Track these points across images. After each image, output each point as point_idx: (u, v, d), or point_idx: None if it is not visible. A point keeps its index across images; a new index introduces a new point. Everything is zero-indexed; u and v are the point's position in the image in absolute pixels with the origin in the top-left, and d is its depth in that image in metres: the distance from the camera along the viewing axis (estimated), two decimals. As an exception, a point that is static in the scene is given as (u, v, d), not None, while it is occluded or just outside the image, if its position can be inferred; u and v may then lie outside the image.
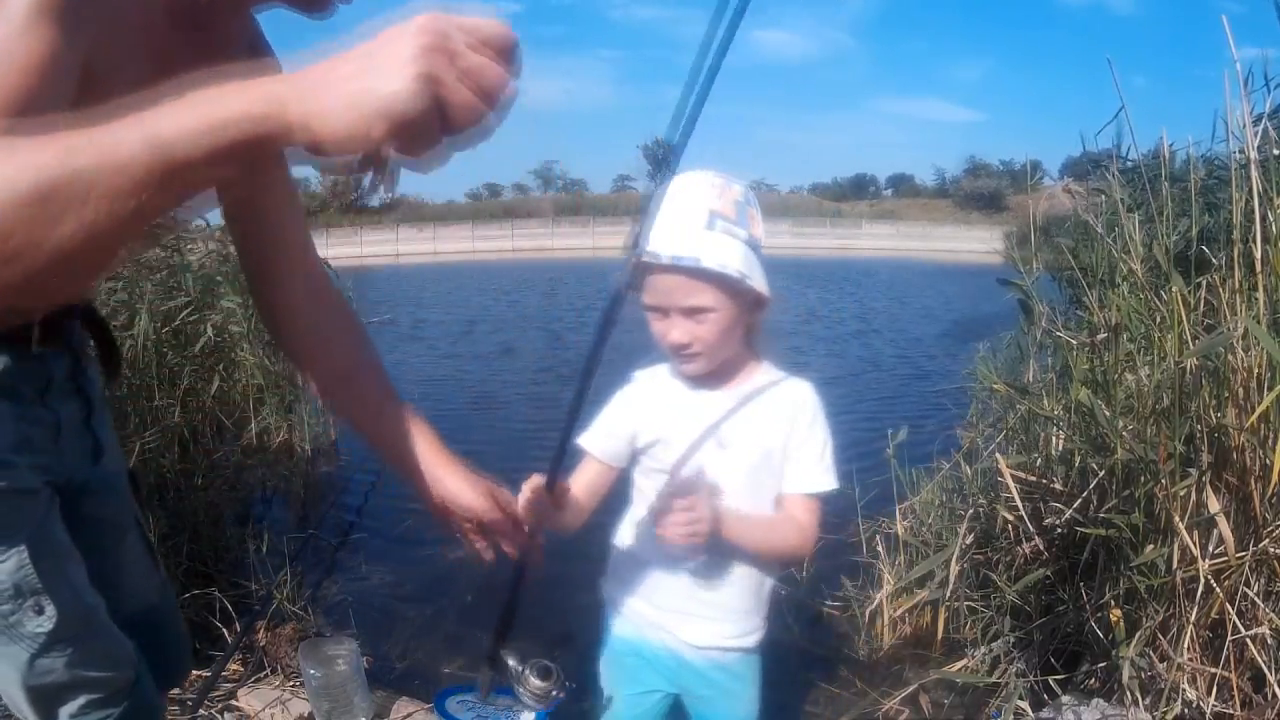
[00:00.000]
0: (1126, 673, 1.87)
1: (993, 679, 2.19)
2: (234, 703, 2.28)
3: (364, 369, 1.11)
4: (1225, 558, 1.78)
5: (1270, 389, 1.77)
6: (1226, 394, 1.89)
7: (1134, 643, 1.90)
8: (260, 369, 4.81)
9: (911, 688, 2.28)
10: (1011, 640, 2.25)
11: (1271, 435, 1.78)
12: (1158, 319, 2.21)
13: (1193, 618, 1.83)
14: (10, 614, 0.90)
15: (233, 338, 4.73)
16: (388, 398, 1.10)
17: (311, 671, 2.08)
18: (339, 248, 31.30)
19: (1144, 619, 1.94)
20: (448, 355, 9.28)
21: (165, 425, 3.27)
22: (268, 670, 2.44)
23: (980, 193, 41.73)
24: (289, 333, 1.10)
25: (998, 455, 2.45)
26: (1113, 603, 1.98)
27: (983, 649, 2.27)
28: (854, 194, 49.82)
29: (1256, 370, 1.83)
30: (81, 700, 0.97)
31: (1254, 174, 1.82)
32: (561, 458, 1.06)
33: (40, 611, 0.92)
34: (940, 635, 2.45)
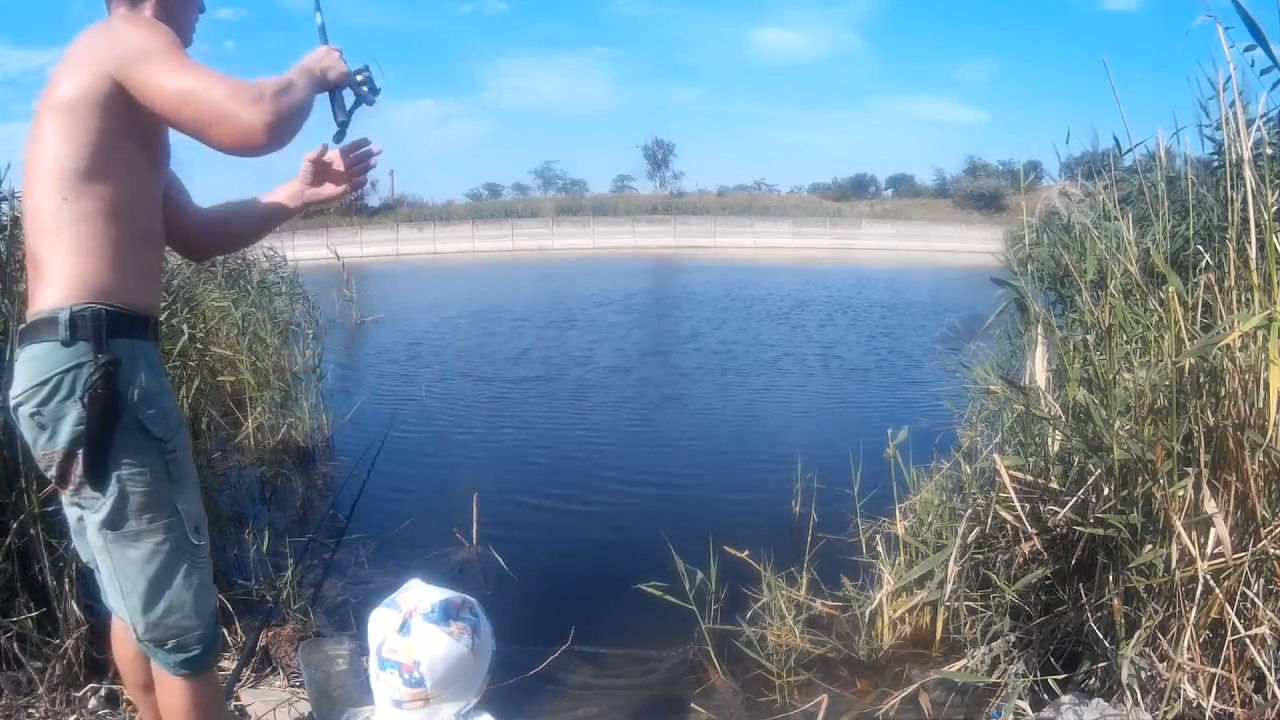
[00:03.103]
0: (1126, 672, 1.87)
1: (992, 679, 2.19)
2: (236, 702, 2.28)
3: (234, 227, 1.81)
4: (1224, 558, 1.78)
5: (1270, 387, 1.77)
6: (1224, 393, 1.90)
7: (1134, 643, 1.90)
8: (250, 368, 4.81)
9: (912, 687, 2.28)
10: (1011, 640, 2.25)
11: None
12: (1154, 319, 2.22)
13: (1192, 618, 1.83)
14: (190, 535, 1.42)
15: (220, 337, 4.74)
16: (246, 218, 1.79)
17: (311, 671, 2.08)
18: (339, 248, 31.07)
19: (1144, 619, 1.94)
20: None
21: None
22: (270, 670, 2.44)
23: (980, 193, 41.67)
24: (190, 242, 1.73)
25: (995, 455, 2.45)
26: (1114, 602, 1.99)
27: (982, 649, 2.28)
28: (854, 194, 49.74)
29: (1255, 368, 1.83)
30: (209, 612, 1.48)
31: (1248, 173, 1.82)
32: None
33: (200, 534, 1.45)
34: (940, 635, 2.45)
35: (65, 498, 1.42)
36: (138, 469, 1.35)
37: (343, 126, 1.59)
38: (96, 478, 1.32)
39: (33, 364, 1.32)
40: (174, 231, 1.62)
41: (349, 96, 1.56)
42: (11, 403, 1.35)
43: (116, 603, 1.46)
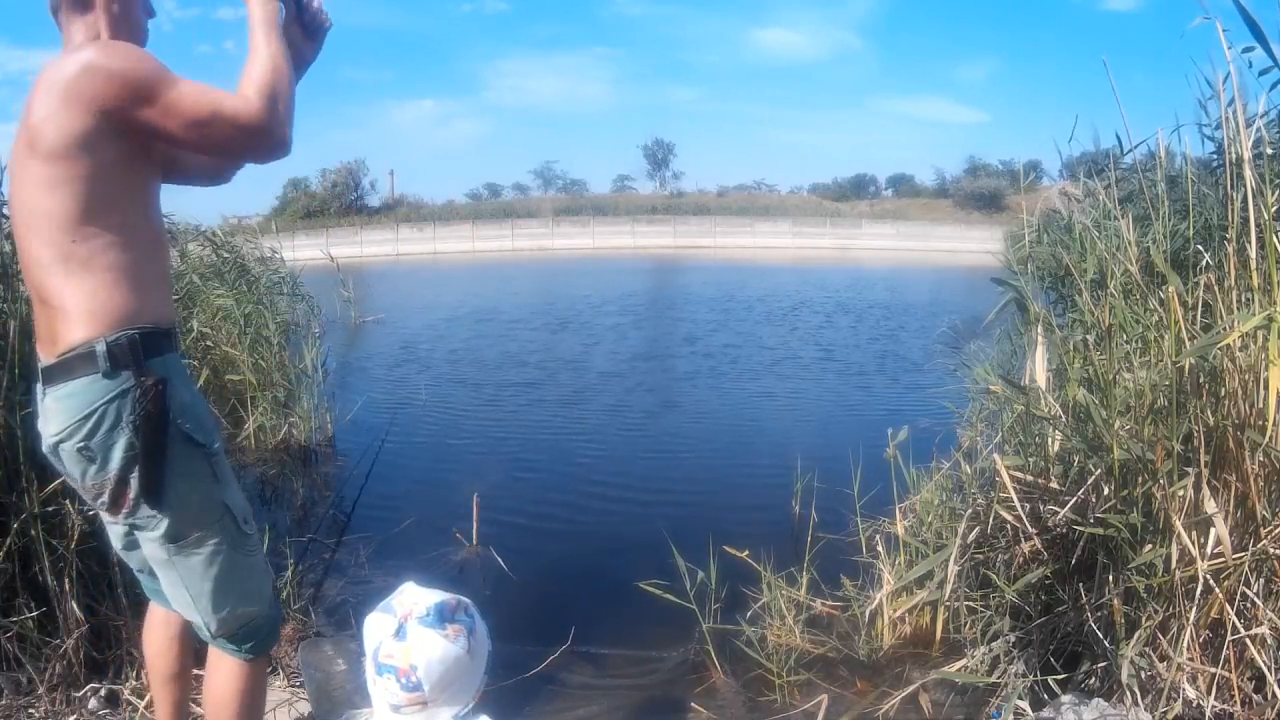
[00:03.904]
0: (1126, 672, 1.87)
1: (992, 679, 2.19)
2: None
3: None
4: (1224, 558, 1.78)
5: (1270, 387, 1.77)
6: (1224, 393, 1.90)
7: (1134, 642, 1.90)
8: (251, 368, 4.81)
9: (912, 687, 2.28)
10: (1011, 640, 2.25)
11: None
12: (1154, 319, 2.22)
13: (1192, 618, 1.83)
14: (242, 527, 1.44)
15: (222, 336, 4.74)
16: None
17: (311, 671, 2.08)
18: (339, 248, 31.01)
19: (1144, 619, 1.94)
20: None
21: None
22: (270, 670, 2.44)
23: (980, 193, 41.65)
24: (213, 173, 1.73)
25: (995, 455, 2.45)
26: (1114, 602, 1.99)
27: (982, 649, 2.28)
28: (854, 194, 49.72)
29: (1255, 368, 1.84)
30: (269, 593, 1.54)
31: (1248, 172, 1.83)
32: None
33: (249, 523, 1.47)
34: (940, 635, 2.45)
35: (114, 519, 1.40)
36: (190, 479, 1.37)
37: (308, 19, 1.60)
38: (155, 497, 1.34)
39: (73, 400, 1.31)
40: (199, 170, 1.67)
41: None
42: (51, 441, 1.34)
43: (184, 608, 1.47)
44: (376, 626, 1.16)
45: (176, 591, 1.45)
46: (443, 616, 1.16)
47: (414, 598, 1.18)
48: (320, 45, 1.67)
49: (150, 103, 1.28)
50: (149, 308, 1.37)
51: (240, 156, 1.41)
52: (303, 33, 1.61)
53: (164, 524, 1.36)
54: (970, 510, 2.53)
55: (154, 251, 1.43)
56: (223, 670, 1.52)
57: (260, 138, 1.32)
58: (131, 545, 1.47)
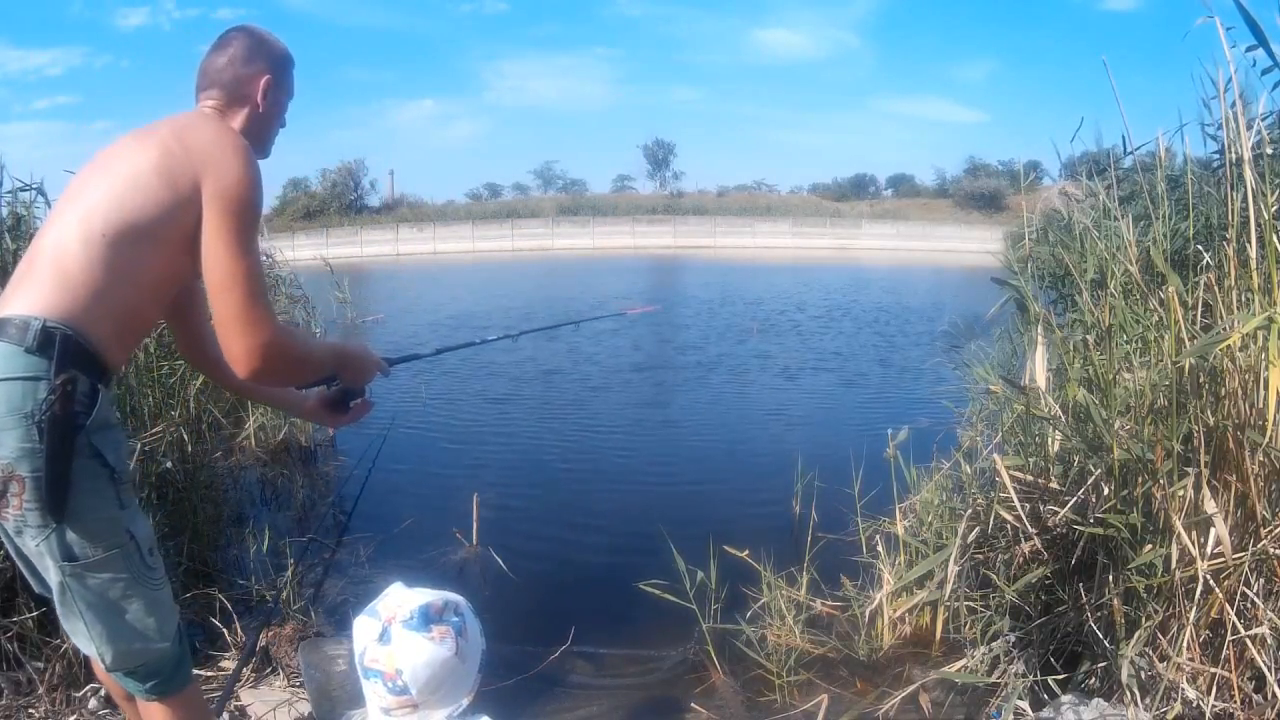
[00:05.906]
0: (1126, 672, 1.87)
1: (992, 679, 2.19)
2: (236, 702, 2.28)
3: (229, 375, 1.78)
4: (1224, 558, 1.78)
5: (1270, 387, 1.77)
6: (1224, 393, 1.90)
7: (1133, 642, 1.90)
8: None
9: (912, 687, 2.28)
10: (1011, 640, 2.25)
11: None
12: (1154, 319, 2.22)
13: (1192, 618, 1.83)
14: (146, 558, 1.38)
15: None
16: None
17: (311, 671, 2.08)
18: (339, 248, 31.29)
19: (1144, 619, 1.94)
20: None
21: (166, 425, 3.27)
22: (270, 670, 2.44)
23: (980, 193, 41.67)
24: (203, 360, 1.74)
25: (995, 455, 2.45)
26: (1114, 602, 1.99)
27: (982, 649, 2.28)
28: (854, 194, 49.76)
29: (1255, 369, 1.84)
30: (173, 630, 1.43)
31: (1248, 173, 1.83)
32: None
33: (154, 554, 1.41)
34: (940, 635, 2.45)
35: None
36: (92, 496, 1.30)
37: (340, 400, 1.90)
38: (54, 509, 1.26)
39: None
40: (183, 337, 1.73)
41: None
42: None
43: (78, 636, 1.39)
44: (362, 630, 1.16)
45: (70, 617, 1.36)
46: (428, 619, 1.14)
47: (399, 600, 1.16)
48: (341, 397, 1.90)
49: (228, 228, 1.34)
50: (106, 340, 1.32)
51: (223, 328, 1.36)
52: (329, 399, 1.87)
53: (58, 537, 1.28)
54: (970, 510, 2.52)
55: (142, 322, 1.46)
56: (147, 711, 1.46)
57: (250, 333, 1.34)
58: (28, 564, 1.38)
